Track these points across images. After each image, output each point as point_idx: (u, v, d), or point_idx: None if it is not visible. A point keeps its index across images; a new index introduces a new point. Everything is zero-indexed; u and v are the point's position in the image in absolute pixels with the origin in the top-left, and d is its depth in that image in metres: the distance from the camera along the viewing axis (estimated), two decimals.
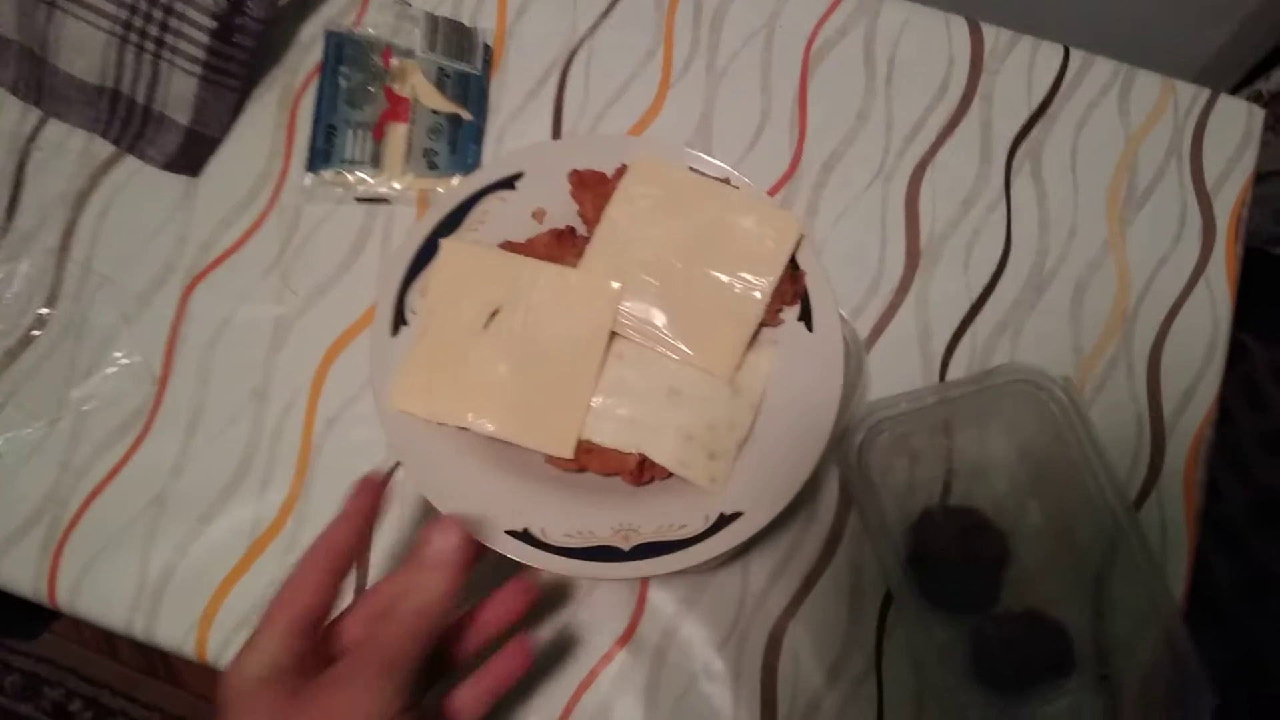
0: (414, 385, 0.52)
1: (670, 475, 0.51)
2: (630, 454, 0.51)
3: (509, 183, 0.57)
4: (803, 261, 0.55)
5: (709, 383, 0.53)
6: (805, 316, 0.54)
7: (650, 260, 0.54)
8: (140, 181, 0.66)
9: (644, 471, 0.51)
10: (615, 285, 0.53)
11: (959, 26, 0.71)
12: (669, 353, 0.53)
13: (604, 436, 0.50)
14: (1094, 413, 0.61)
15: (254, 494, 0.59)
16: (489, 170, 0.57)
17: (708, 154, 0.58)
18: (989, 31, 0.70)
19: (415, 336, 0.54)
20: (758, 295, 0.54)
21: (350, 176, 0.63)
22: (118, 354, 0.62)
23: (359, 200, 0.63)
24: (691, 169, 0.55)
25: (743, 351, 0.52)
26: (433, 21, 0.66)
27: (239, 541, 0.59)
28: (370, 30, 0.65)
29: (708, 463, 0.50)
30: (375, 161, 0.64)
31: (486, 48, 0.67)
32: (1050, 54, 0.70)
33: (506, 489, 0.51)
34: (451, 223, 0.55)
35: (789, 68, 0.69)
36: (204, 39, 0.62)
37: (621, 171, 0.55)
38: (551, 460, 0.50)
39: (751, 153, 0.65)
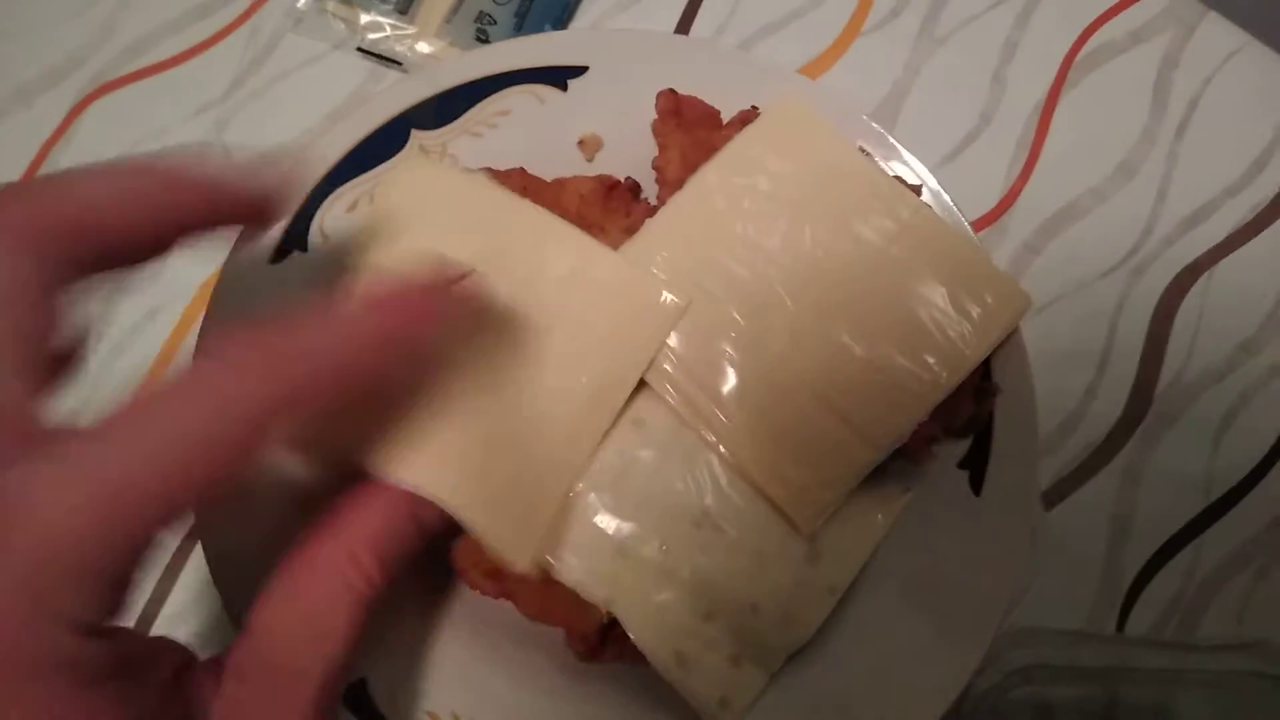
0: None
1: (644, 662, 0.27)
2: (593, 607, 0.28)
3: (560, 76, 0.34)
4: (1003, 370, 0.31)
5: (773, 527, 0.29)
6: (975, 465, 0.31)
7: (745, 282, 0.30)
8: None
9: (604, 644, 0.28)
10: (671, 299, 0.29)
11: None
12: (721, 447, 0.29)
13: (558, 558, 0.28)
14: None
15: (63, 421, 0.34)
16: (535, 45, 0.35)
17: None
18: None
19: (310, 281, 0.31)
20: (906, 401, 0.29)
21: (363, 14, 0.39)
22: None
23: (362, 52, 0.39)
24: (863, 150, 0.28)
25: (848, 491, 0.29)
26: None
27: None
28: None
29: (725, 670, 0.28)
30: (405, 6, 0.39)
31: None
32: None
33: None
34: (444, 110, 0.30)
35: (1041, 64, 0.44)
36: None
37: (746, 119, 0.32)
38: (460, 562, 0.28)
39: (950, 165, 0.38)
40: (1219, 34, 0.43)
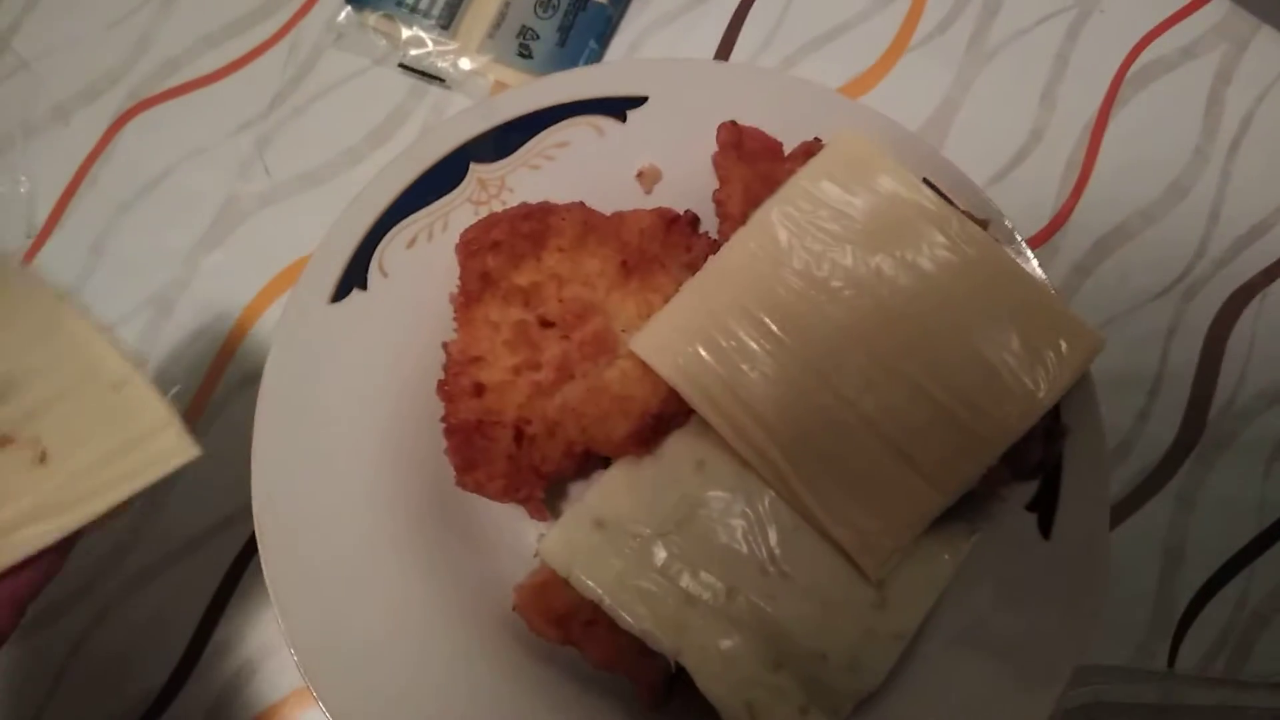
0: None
1: (713, 714, 0.27)
2: (660, 656, 0.27)
3: (619, 106, 0.33)
4: (1070, 409, 0.30)
5: (840, 573, 0.29)
6: (1044, 507, 0.30)
7: (812, 321, 0.29)
8: None
9: (671, 694, 0.28)
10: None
11: None
12: (789, 497, 0.29)
13: (626, 606, 0.28)
14: None
15: None
16: (594, 75, 0.34)
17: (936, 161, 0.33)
18: None
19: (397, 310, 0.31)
20: (977, 446, 0.28)
21: (404, 29, 0.39)
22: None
23: (404, 68, 0.37)
24: (927, 183, 0.27)
25: (915, 537, 0.28)
26: None
27: None
28: None
29: (792, 718, 0.26)
30: (447, 21, 0.38)
31: None
32: None
33: (408, 645, 0.28)
34: (502, 143, 0.29)
35: (1092, 80, 0.43)
36: None
37: (810, 150, 0.31)
38: (523, 606, 0.28)
39: (1000, 183, 0.37)
40: (1273, 49, 0.42)
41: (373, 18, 0.40)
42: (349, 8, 0.40)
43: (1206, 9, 0.42)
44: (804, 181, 0.29)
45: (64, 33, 0.41)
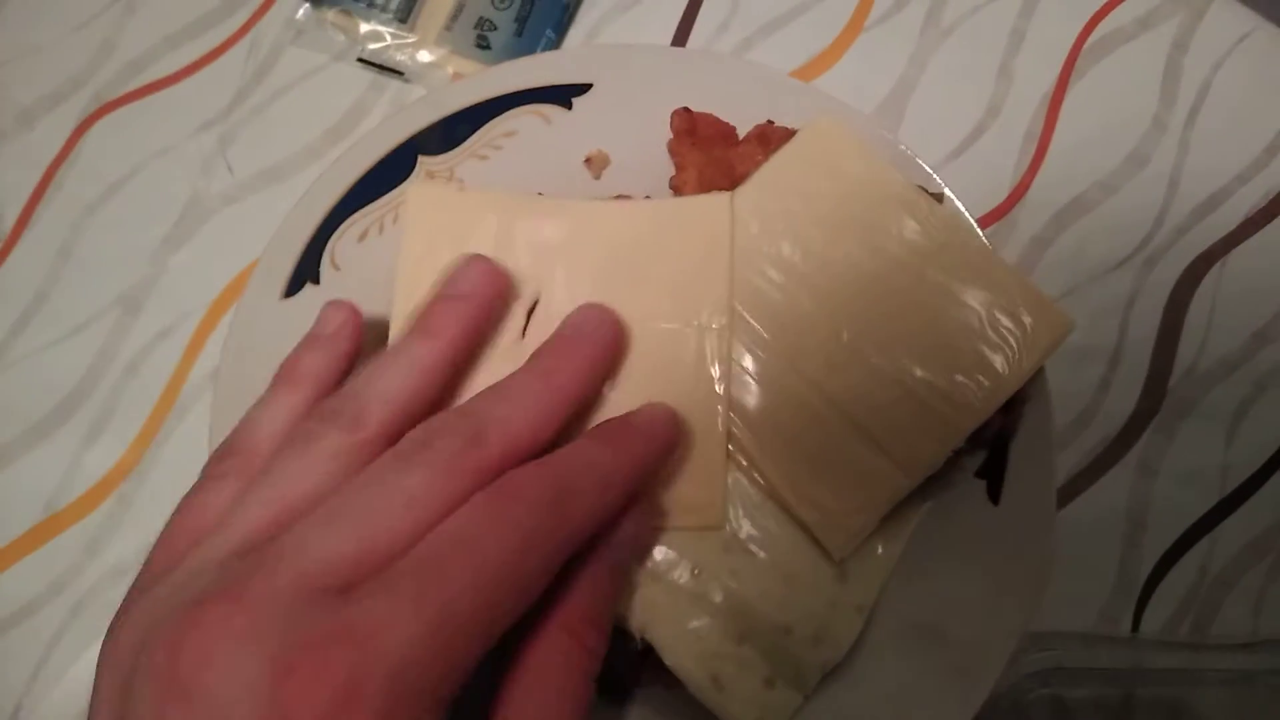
0: None
1: (679, 686, 0.26)
2: (628, 634, 0.27)
3: (564, 94, 0.32)
4: (1031, 385, 0.29)
5: (804, 550, 0.28)
6: (992, 475, 0.30)
7: (779, 304, 0.29)
8: None
9: (639, 671, 0.28)
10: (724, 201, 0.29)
11: None
12: (754, 470, 0.28)
13: None
14: None
15: (76, 443, 0.37)
16: (538, 65, 0.33)
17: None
18: None
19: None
20: (944, 429, 0.28)
21: (363, 24, 0.41)
22: None
23: (363, 62, 0.37)
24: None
25: (880, 517, 0.28)
26: None
27: (27, 510, 0.37)
28: None
29: (759, 692, 0.27)
30: (404, 14, 0.37)
31: None
32: None
33: None
34: (450, 134, 0.28)
35: (1048, 54, 0.42)
36: None
37: (764, 134, 0.30)
38: None
39: (958, 159, 0.36)
40: (1229, 17, 0.40)
41: (331, 13, 0.39)
42: (307, 5, 0.40)
43: None
44: (774, 170, 0.29)
45: (27, 41, 0.40)
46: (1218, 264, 0.39)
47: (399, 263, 0.27)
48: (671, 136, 0.30)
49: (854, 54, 0.41)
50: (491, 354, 0.26)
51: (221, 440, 0.24)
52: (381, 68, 0.40)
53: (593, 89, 0.31)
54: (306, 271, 0.29)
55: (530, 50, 0.39)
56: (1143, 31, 0.42)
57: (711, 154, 0.29)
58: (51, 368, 0.37)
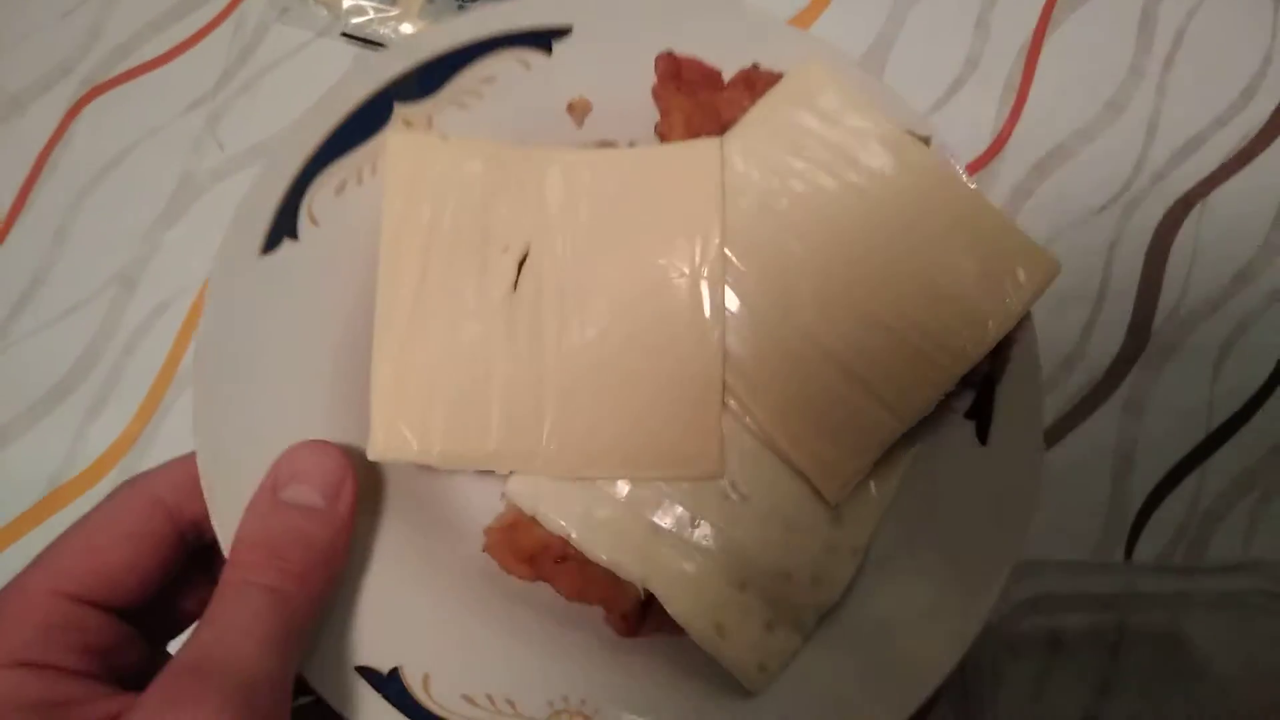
0: (407, 405, 0.25)
1: (681, 633, 0.26)
2: (630, 584, 0.26)
3: (544, 37, 0.30)
4: (1018, 328, 0.28)
5: (799, 495, 0.27)
6: (981, 416, 0.28)
7: (772, 251, 0.27)
8: None
9: (642, 619, 0.26)
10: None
11: None
12: (747, 417, 0.27)
13: (593, 539, 0.26)
14: None
15: (77, 418, 0.37)
16: (513, 8, 0.30)
17: None
18: None
19: (334, 292, 0.27)
20: (936, 373, 0.27)
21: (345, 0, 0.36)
22: None
23: (346, 37, 0.36)
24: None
25: (873, 462, 0.27)
26: None
27: (33, 484, 0.36)
28: None
29: (761, 635, 0.26)
30: None
31: None
32: None
33: (380, 590, 0.26)
34: (426, 81, 0.30)
35: (1024, 5, 0.42)
36: None
37: (750, 78, 0.29)
38: (493, 548, 0.26)
39: (939, 112, 0.36)
40: None
41: None
42: None
43: None
44: (762, 113, 0.28)
45: (17, 29, 0.40)
46: (1197, 206, 0.39)
47: (383, 217, 0.26)
48: (656, 81, 0.29)
49: (836, 8, 0.40)
50: (483, 307, 0.26)
51: (206, 407, 0.24)
52: (366, 41, 0.39)
53: (573, 32, 0.30)
54: (285, 227, 0.27)
55: None
56: None
57: (697, 99, 0.28)
58: (52, 346, 0.37)
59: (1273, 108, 0.40)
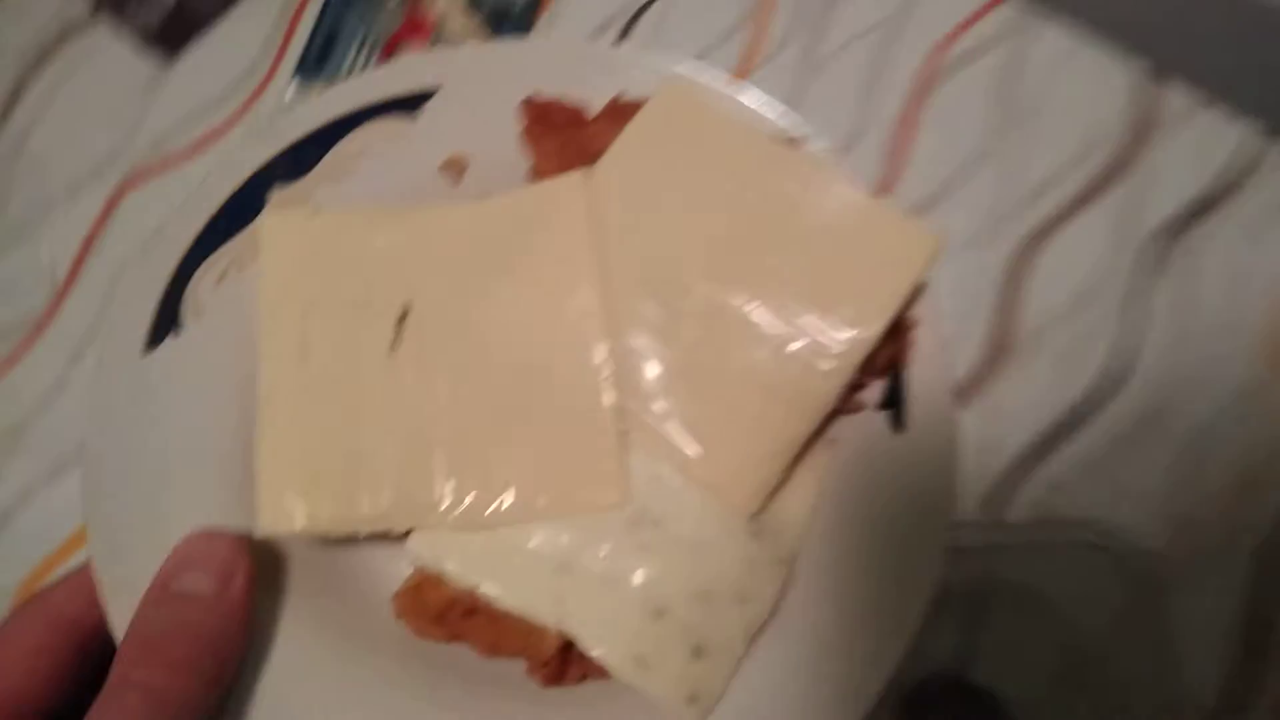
0: (294, 476, 0.19)
1: (609, 676, 0.19)
2: (543, 632, 0.19)
3: (408, 104, 0.22)
4: (918, 310, 0.22)
5: (712, 512, 0.20)
6: (894, 403, 0.21)
7: (652, 272, 0.20)
8: (108, 58, 0.37)
9: (566, 666, 0.19)
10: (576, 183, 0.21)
11: (1136, 76, 0.37)
12: (652, 448, 0.20)
13: (502, 587, 0.19)
14: (1185, 600, 0.30)
15: None
16: (374, 79, 0.23)
17: None
18: (1173, 90, 0.37)
19: (223, 372, 0.20)
20: (832, 362, 0.20)
21: None
22: (25, 245, 0.35)
23: None
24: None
25: (785, 464, 0.20)
26: None
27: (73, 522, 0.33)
28: None
29: (687, 665, 0.19)
30: None
31: None
32: (1245, 135, 0.36)
33: (290, 671, 0.18)
34: (295, 164, 0.22)
35: (905, 78, 0.38)
36: None
37: (614, 111, 0.22)
38: (403, 612, 0.19)
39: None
40: (1056, 40, 0.33)
41: (317, 87, 0.32)
42: (296, 80, 0.32)
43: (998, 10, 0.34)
44: (629, 138, 0.22)
45: (70, 126, 0.33)
46: (1049, 239, 0.32)
47: (260, 295, 0.20)
48: (522, 126, 0.23)
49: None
50: (366, 369, 0.20)
51: (96, 510, 0.18)
52: None
53: (437, 95, 0.23)
54: (166, 323, 0.20)
55: None
56: (982, 56, 0.37)
57: (565, 135, 0.22)
58: None
59: (1108, 161, 0.33)
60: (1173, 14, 0.34)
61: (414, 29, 0.35)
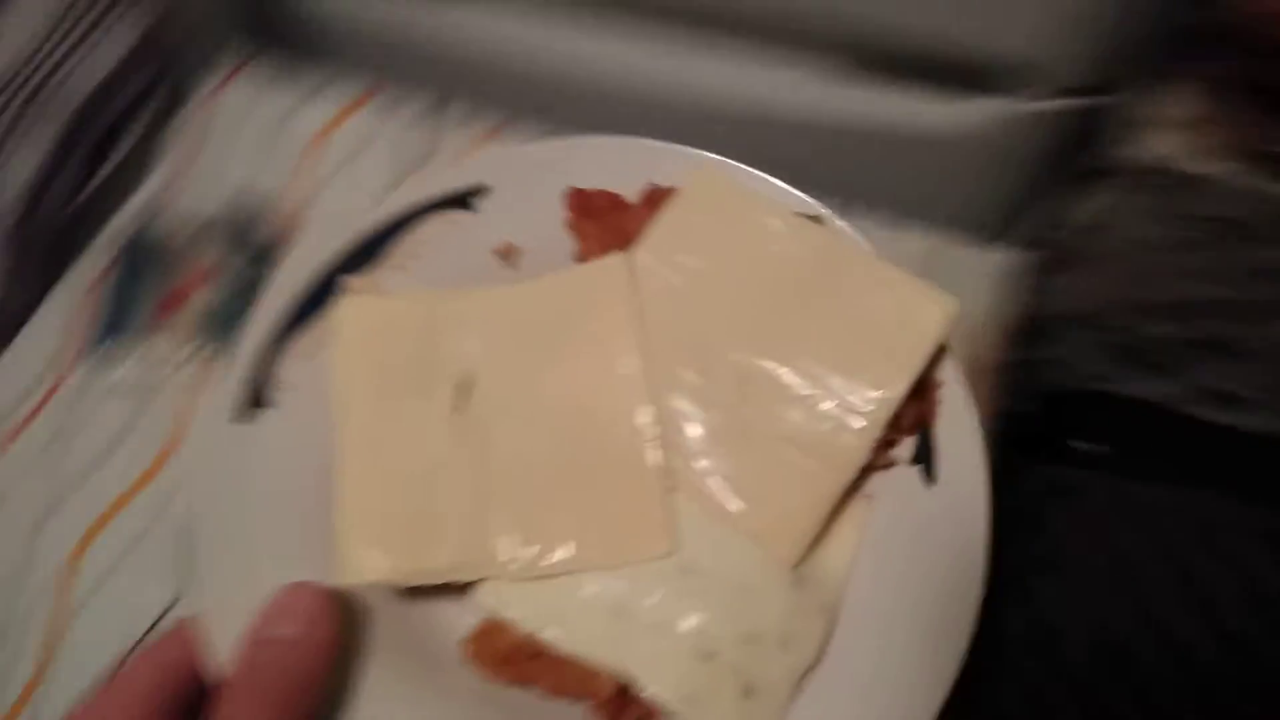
0: (369, 532, 0.21)
1: (666, 715, 0.20)
2: (602, 674, 0.20)
3: (462, 199, 0.25)
4: (942, 371, 0.23)
5: (756, 562, 0.21)
6: (925, 458, 0.22)
7: (690, 343, 0.23)
8: None
9: (624, 706, 0.20)
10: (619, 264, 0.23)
11: None
12: (698, 502, 0.21)
13: (562, 631, 0.20)
14: None
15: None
16: (432, 177, 0.25)
17: None
18: None
19: (300, 441, 0.22)
20: (862, 420, 0.21)
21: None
22: None
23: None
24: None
25: (824, 517, 0.21)
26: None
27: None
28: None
29: (738, 703, 0.20)
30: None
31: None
32: None
33: (384, 691, 0.20)
34: (365, 255, 0.24)
35: None
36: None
37: (650, 196, 0.25)
38: (474, 655, 0.20)
39: None
40: None
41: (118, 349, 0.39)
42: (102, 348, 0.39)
43: None
44: (665, 220, 0.24)
45: None
46: None
47: (336, 369, 0.22)
48: (567, 214, 0.25)
49: None
50: (432, 432, 0.21)
51: (205, 570, 0.20)
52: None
53: (491, 191, 0.25)
54: (257, 397, 0.22)
55: None
56: None
57: (606, 222, 0.25)
58: None
59: None
60: None
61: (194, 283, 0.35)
